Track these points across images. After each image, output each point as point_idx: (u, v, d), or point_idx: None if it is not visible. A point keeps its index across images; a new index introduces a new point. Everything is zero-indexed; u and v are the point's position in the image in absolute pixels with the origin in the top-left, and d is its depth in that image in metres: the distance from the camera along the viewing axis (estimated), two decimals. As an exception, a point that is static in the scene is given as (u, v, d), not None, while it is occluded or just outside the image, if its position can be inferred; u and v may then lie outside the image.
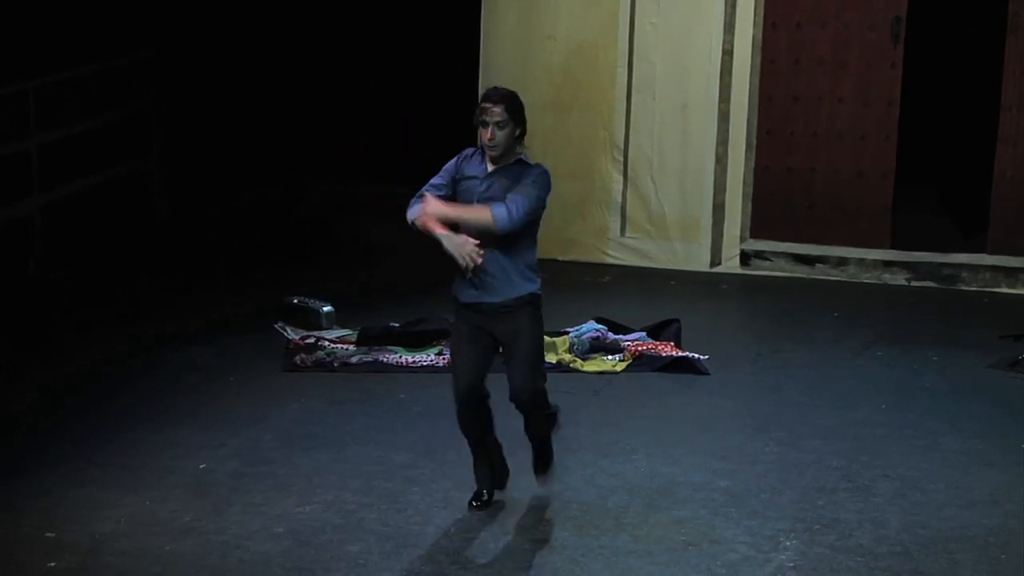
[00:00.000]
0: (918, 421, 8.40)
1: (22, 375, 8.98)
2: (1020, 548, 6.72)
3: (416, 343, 9.43)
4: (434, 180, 6.79)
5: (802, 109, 11.73)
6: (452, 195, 6.73)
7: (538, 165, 6.75)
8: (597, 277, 11.38)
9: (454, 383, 6.82)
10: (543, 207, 6.71)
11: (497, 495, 7.10)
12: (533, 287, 6.76)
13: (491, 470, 7.07)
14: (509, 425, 7.02)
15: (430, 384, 8.84)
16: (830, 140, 11.72)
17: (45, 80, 11.63)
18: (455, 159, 6.83)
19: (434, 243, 6.62)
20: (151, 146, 13.03)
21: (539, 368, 6.82)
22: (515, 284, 6.71)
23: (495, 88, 6.80)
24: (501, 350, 6.82)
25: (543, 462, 7.11)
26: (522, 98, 6.72)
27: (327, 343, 9.49)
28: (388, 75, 14.63)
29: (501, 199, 6.60)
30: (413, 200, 6.73)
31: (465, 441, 7.00)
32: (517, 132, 6.69)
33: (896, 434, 8.18)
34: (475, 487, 7.07)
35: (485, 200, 6.65)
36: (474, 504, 7.02)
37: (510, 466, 7.12)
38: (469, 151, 6.84)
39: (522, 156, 6.76)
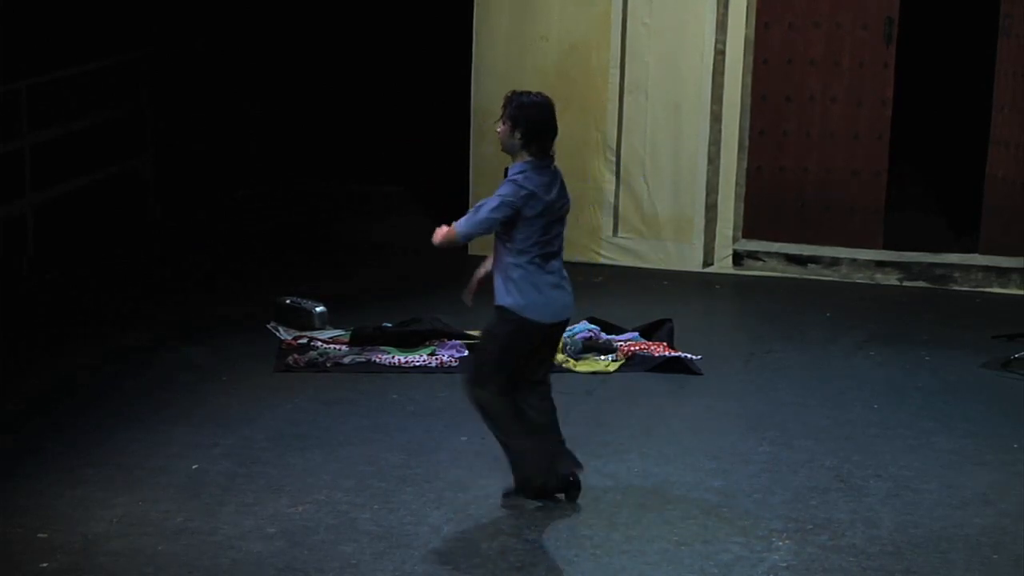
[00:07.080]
0: (910, 421, 8.42)
1: (15, 375, 8.96)
2: (1012, 547, 6.74)
3: (409, 343, 9.42)
4: None
5: (795, 109, 11.72)
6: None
7: (508, 181, 6.76)
8: (590, 277, 11.38)
9: None
10: (492, 222, 6.74)
11: (494, 493, 7.17)
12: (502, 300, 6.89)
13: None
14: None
15: (422, 384, 8.84)
16: (823, 140, 11.72)
17: (37, 79, 11.61)
18: None
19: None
20: (144, 145, 13.01)
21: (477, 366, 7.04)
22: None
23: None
24: None
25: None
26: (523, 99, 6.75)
27: (320, 343, 9.48)
28: (381, 75, 14.64)
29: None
30: None
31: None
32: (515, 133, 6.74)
33: (888, 434, 8.19)
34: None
35: None
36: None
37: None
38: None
39: (514, 164, 6.81)
